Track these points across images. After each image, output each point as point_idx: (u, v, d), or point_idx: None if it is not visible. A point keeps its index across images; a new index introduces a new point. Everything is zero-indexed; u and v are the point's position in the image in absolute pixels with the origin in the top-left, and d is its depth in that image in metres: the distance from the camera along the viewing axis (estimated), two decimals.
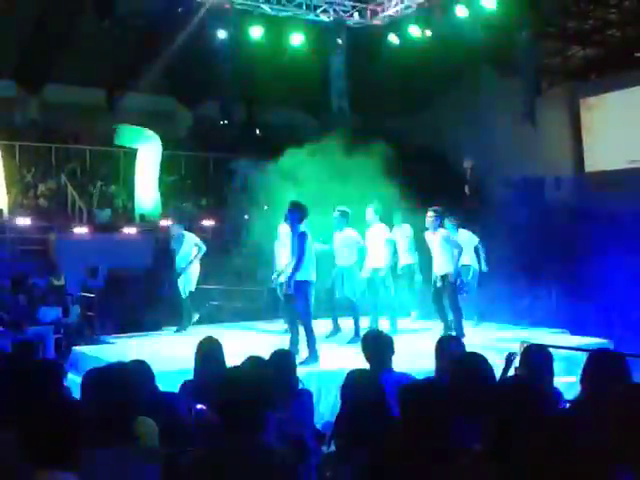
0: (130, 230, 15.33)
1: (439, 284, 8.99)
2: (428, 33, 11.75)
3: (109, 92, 18.15)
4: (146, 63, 15.39)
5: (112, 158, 17.27)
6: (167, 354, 7.90)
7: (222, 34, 11.64)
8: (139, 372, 3.83)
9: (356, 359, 4.88)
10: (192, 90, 17.77)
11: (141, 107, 17.43)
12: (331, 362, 7.32)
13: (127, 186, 16.81)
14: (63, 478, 2.36)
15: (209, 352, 4.34)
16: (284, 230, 9.33)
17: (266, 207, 10.71)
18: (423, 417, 2.67)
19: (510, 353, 4.34)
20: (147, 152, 16.41)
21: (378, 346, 4.55)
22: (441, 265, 8.98)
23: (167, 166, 16.88)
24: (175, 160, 17.66)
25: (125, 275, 14.20)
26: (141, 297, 13.49)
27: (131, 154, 16.78)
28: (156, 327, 11.09)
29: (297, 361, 7.13)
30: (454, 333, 8.29)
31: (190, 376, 4.57)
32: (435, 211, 9.10)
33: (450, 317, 9.10)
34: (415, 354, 6.47)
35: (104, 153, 17.33)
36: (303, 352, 7.45)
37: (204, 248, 10.49)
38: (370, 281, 9.39)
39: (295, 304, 7.75)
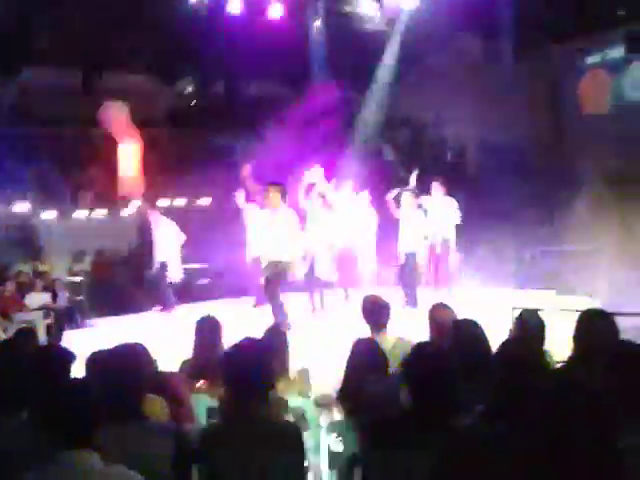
0: (113, 212, 15.29)
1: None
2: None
3: (85, 73, 17.91)
4: (124, 41, 15.18)
5: (92, 140, 17.10)
6: (159, 335, 7.96)
7: (201, 10, 11.54)
8: (139, 353, 3.88)
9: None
10: (170, 67, 17.57)
11: (119, 87, 17.22)
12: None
13: (109, 167, 16.67)
14: (88, 457, 2.44)
15: (209, 330, 4.39)
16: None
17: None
18: (430, 380, 2.74)
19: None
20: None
21: (374, 310, 4.65)
22: None
23: (149, 146, 16.76)
24: (157, 138, 17.52)
25: (111, 258, 14.20)
26: (128, 279, 13.52)
27: (111, 135, 16.64)
28: (144, 308, 11.17)
29: None
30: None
31: (185, 355, 4.64)
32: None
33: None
34: None
35: (84, 135, 17.16)
36: None
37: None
38: None
39: None
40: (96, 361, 3.57)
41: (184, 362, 4.57)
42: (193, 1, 11.51)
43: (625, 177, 13.53)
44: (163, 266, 10.59)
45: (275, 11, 12.42)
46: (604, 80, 16.74)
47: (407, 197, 9.83)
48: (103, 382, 2.98)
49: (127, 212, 15.46)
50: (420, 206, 10.10)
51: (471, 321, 3.87)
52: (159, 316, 10.43)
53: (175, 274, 10.66)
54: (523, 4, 13.46)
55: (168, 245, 10.68)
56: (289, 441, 2.92)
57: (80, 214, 15.08)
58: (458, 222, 10.68)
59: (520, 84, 15.81)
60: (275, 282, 8.33)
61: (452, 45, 13.61)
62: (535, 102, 16.64)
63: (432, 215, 10.34)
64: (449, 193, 10.73)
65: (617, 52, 15.85)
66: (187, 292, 12.45)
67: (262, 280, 8.67)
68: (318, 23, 13.26)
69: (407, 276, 9.80)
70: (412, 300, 9.43)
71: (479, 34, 14.16)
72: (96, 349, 3.83)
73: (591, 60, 16.90)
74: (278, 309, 8.18)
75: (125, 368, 3.09)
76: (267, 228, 8.52)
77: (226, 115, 16.92)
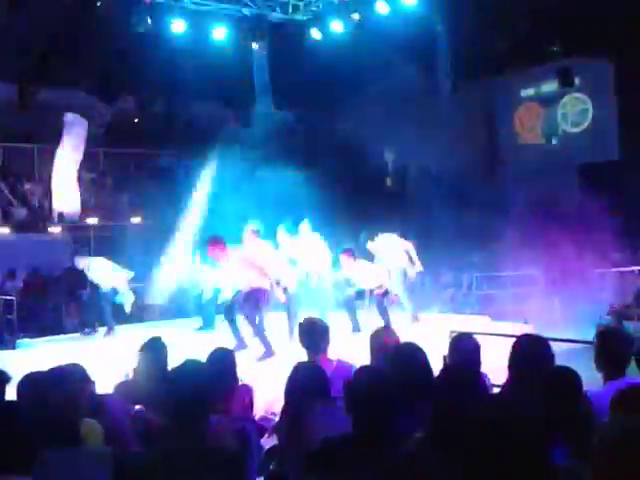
0: (50, 229, 14.91)
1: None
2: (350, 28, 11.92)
3: (21, 87, 17.51)
4: (61, 56, 14.94)
5: (26, 155, 16.72)
6: (93, 357, 7.77)
7: (142, 27, 11.42)
8: (76, 375, 3.78)
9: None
10: (110, 85, 17.35)
11: (56, 103, 16.90)
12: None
13: (43, 184, 16.30)
14: None
15: (155, 353, 4.30)
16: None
17: None
18: (371, 404, 2.75)
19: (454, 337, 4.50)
20: (68, 143, 15.91)
21: (314, 334, 4.65)
22: None
23: (85, 163, 16.47)
24: (93, 157, 17.25)
25: (44, 276, 13.82)
26: (61, 299, 13.18)
27: (46, 150, 16.29)
28: (76, 329, 10.92)
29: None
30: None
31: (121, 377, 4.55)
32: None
33: None
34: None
35: (17, 150, 16.76)
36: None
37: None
38: None
39: None
40: (30, 383, 3.45)
41: (120, 384, 4.48)
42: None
43: (555, 205, 14.00)
44: (113, 290, 10.32)
45: (219, 32, 12.42)
46: (537, 112, 17.35)
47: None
48: (37, 406, 2.89)
49: (60, 229, 15.09)
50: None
51: (413, 345, 3.89)
52: (95, 337, 10.19)
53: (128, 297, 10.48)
54: (460, 37, 13.85)
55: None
56: (229, 466, 2.88)
57: (11, 231, 14.62)
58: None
59: (457, 114, 16.23)
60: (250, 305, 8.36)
61: (391, 74, 13.88)
62: (471, 132, 17.11)
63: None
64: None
65: (550, 86, 16.46)
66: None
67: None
68: (261, 46, 13.33)
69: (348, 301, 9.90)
70: (356, 324, 9.49)
71: (418, 64, 14.49)
72: (28, 371, 3.71)
73: (525, 93, 17.51)
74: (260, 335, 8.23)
75: (61, 391, 3.00)
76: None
77: (167, 135, 16.79)
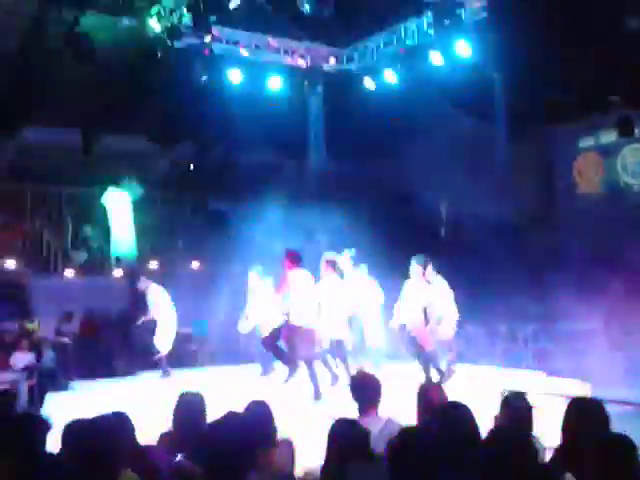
0: (106, 273, 15.21)
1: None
2: (403, 78, 11.98)
3: (85, 134, 18.12)
4: (123, 105, 15.44)
5: (88, 200, 17.19)
6: (140, 403, 7.79)
7: (201, 77, 11.73)
8: (120, 424, 3.77)
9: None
10: (169, 132, 17.81)
11: (117, 149, 17.41)
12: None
13: (103, 228, 16.71)
14: None
15: (190, 406, 4.27)
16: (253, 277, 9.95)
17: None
18: (413, 470, 2.66)
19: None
20: (117, 196, 16.39)
21: (366, 389, 4.54)
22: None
23: (143, 208, 16.84)
24: (151, 202, 17.63)
25: (100, 320, 14.04)
26: (116, 342, 13.35)
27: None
28: (130, 373, 11.00)
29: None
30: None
31: (165, 427, 4.51)
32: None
33: None
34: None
35: (80, 195, 17.26)
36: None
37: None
38: None
39: None
40: (72, 432, 3.45)
41: (164, 434, 4.44)
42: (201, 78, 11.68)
43: (616, 257, 13.59)
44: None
45: (275, 82, 12.66)
46: (597, 162, 17.05)
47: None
48: (77, 455, 2.87)
49: (118, 274, 15.36)
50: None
51: (462, 405, 3.77)
52: (143, 381, 10.25)
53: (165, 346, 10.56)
54: (517, 85, 13.78)
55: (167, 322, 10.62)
56: None
57: (71, 274, 14.97)
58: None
59: (513, 163, 16.07)
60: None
61: (445, 123, 13.87)
62: (528, 181, 16.89)
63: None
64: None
65: (609, 136, 16.18)
66: (175, 357, 12.33)
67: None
68: (316, 96, 13.53)
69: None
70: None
71: (473, 112, 14.45)
72: (75, 417, 3.71)
73: (584, 143, 17.26)
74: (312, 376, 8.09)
75: (101, 442, 2.98)
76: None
77: (223, 181, 17.08)
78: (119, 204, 16.30)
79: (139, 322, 10.62)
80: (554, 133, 17.19)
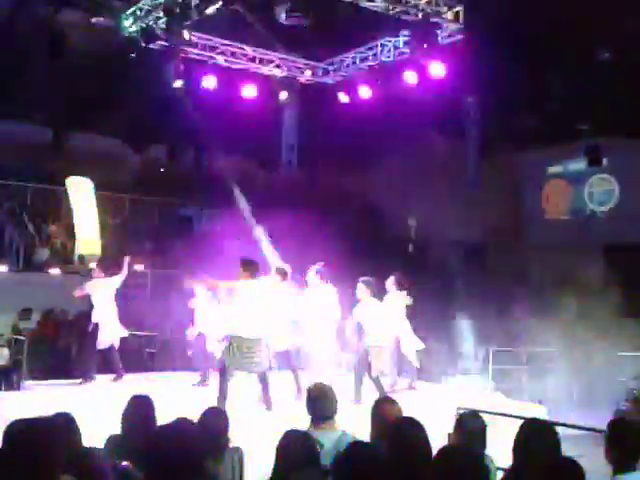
0: (68, 271, 14.98)
1: None
2: (377, 95, 12.02)
3: (56, 131, 17.93)
4: (95, 104, 15.33)
5: (54, 197, 16.96)
6: (95, 404, 7.65)
7: (175, 82, 11.66)
8: (64, 425, 3.68)
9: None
10: (141, 134, 17.71)
11: (88, 148, 17.24)
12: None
13: (68, 227, 16.48)
14: None
15: (139, 410, 4.20)
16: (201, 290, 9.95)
17: None
18: None
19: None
20: (79, 191, 16.14)
21: (319, 400, 4.48)
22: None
23: (111, 209, 16.66)
24: (120, 203, 17.46)
25: (59, 318, 13.81)
26: (73, 342, 13.11)
27: None
28: (86, 375, 10.74)
29: None
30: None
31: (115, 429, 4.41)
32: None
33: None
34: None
35: (46, 192, 17.02)
36: None
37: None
38: None
39: None
40: (12, 432, 3.35)
41: (111, 437, 4.35)
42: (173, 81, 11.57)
43: (578, 283, 13.77)
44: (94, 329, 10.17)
45: (249, 90, 12.63)
46: (565, 189, 17.31)
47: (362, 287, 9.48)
48: (14, 456, 2.78)
49: (81, 273, 15.12)
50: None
51: (413, 421, 3.73)
52: (98, 383, 10.03)
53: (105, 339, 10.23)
54: (489, 108, 13.96)
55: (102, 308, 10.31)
56: None
57: (33, 270, 14.72)
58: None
59: (483, 183, 16.24)
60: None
61: (418, 140, 13.97)
62: (497, 202, 17.06)
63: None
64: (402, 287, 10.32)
65: (578, 164, 16.45)
66: (137, 360, 12.16)
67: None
68: (289, 106, 13.55)
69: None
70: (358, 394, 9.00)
71: (445, 131, 14.60)
72: (19, 417, 3.62)
73: (553, 170, 17.52)
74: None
75: (39, 443, 2.89)
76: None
77: (193, 186, 17.00)
78: (82, 192, 15.99)
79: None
80: (524, 158, 17.42)
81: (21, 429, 3.26)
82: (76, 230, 16.03)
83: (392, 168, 14.52)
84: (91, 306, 10.55)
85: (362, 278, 9.03)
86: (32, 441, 2.95)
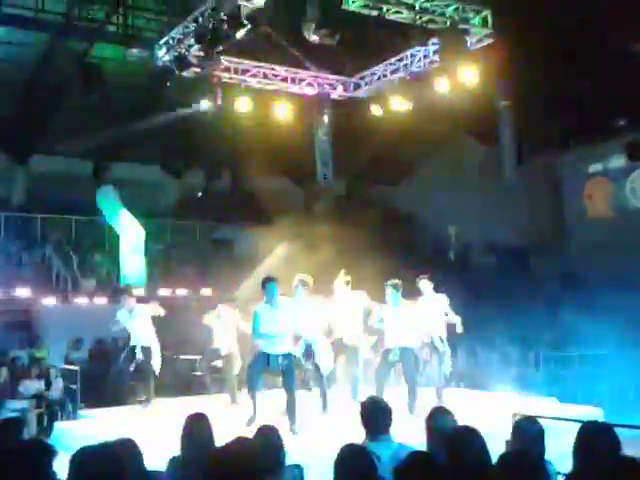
0: (114, 300, 15.19)
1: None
2: (410, 105, 12.01)
3: (95, 162, 18.30)
4: (133, 134, 15.61)
5: (97, 227, 17.30)
6: (151, 428, 7.75)
7: (209, 106, 11.81)
8: (127, 451, 3.75)
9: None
10: (178, 160, 18.00)
11: (127, 177, 17.56)
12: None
13: (112, 255, 16.77)
14: None
15: (197, 429, 4.26)
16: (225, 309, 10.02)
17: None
18: None
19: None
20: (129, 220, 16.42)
21: (374, 414, 4.48)
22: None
23: (154, 235, 16.91)
24: (162, 229, 17.73)
25: (109, 346, 14.01)
26: (125, 369, 13.27)
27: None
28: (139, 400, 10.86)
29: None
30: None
31: (176, 451, 4.47)
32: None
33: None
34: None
35: (90, 223, 17.37)
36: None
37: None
38: None
39: None
40: (79, 460, 3.43)
41: (172, 460, 4.42)
42: (204, 104, 11.72)
43: (626, 282, 13.51)
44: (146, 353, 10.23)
45: (282, 110, 12.73)
46: (606, 187, 17.05)
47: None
48: None
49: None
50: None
51: (470, 429, 3.72)
52: (152, 408, 10.12)
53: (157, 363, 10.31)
54: (524, 112, 13.84)
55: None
56: None
57: (81, 301, 14.99)
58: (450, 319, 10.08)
59: (522, 187, 16.08)
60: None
61: (453, 148, 13.93)
62: (537, 205, 16.89)
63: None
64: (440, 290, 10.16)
65: (618, 161, 16.21)
66: (185, 384, 12.24)
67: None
68: (323, 123, 13.61)
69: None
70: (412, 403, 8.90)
71: (481, 138, 14.52)
72: (83, 444, 3.70)
73: (593, 168, 17.28)
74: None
75: (108, 469, 2.97)
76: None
77: (230, 209, 17.15)
78: (126, 230, 16.28)
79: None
80: (562, 158, 17.23)
81: (88, 455, 3.36)
82: (121, 258, 16.30)
83: (429, 175, 14.49)
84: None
85: (389, 281, 9.00)
86: (100, 467, 3.03)
